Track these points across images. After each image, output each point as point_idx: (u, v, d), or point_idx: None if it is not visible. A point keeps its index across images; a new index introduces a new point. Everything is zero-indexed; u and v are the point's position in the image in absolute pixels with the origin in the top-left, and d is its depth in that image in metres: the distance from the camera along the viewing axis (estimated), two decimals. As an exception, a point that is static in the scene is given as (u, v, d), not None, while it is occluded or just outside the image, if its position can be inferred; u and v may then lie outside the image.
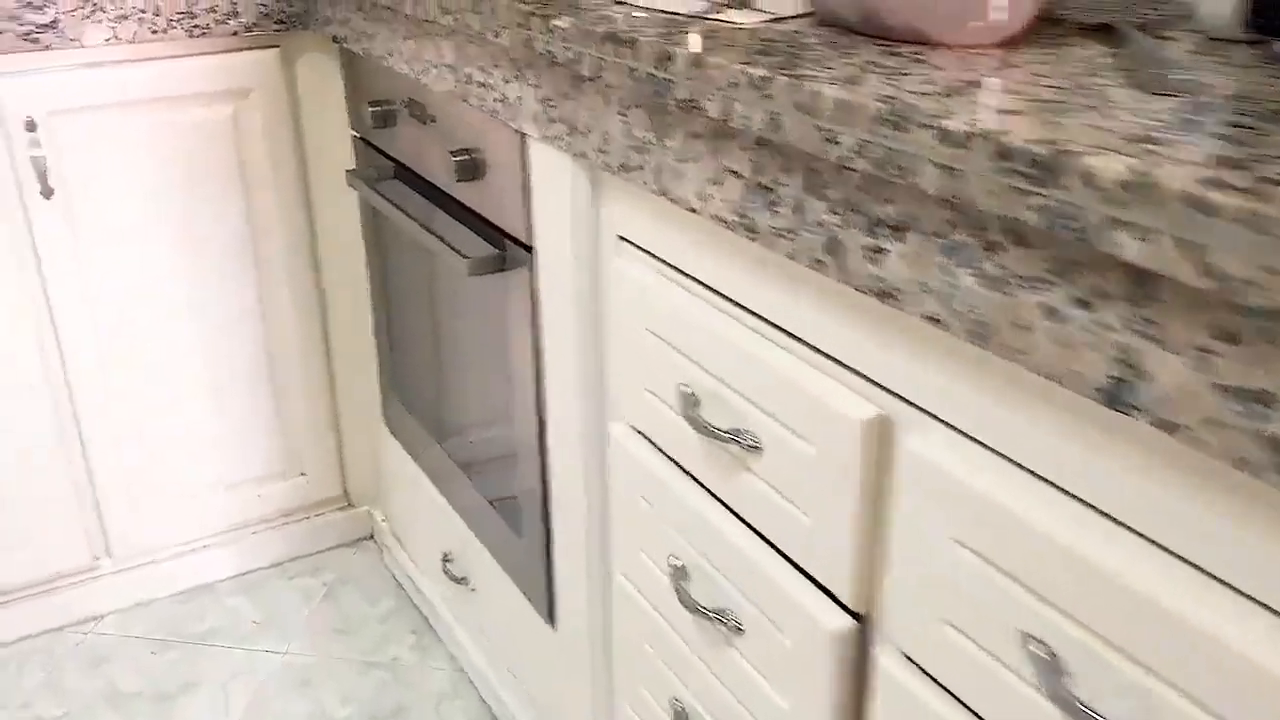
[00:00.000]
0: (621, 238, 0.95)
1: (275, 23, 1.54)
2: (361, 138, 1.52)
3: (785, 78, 0.65)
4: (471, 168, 1.18)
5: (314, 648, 1.66)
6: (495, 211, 1.16)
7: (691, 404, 0.86)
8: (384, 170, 1.48)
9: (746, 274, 0.78)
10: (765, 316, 0.77)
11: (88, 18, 1.43)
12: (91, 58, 1.47)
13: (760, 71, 0.67)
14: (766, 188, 0.71)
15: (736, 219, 0.75)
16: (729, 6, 0.88)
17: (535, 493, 1.21)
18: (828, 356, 0.72)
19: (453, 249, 1.20)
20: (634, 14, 0.89)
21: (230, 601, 1.76)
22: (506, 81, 1.03)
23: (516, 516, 1.28)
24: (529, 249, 1.10)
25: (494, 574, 1.39)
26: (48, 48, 1.42)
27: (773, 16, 0.85)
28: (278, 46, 1.57)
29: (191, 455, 1.72)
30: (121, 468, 1.67)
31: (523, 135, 1.05)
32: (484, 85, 1.07)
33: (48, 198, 1.49)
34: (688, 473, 0.89)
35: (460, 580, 1.51)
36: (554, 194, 1.01)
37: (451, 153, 1.19)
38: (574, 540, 1.13)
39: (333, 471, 1.85)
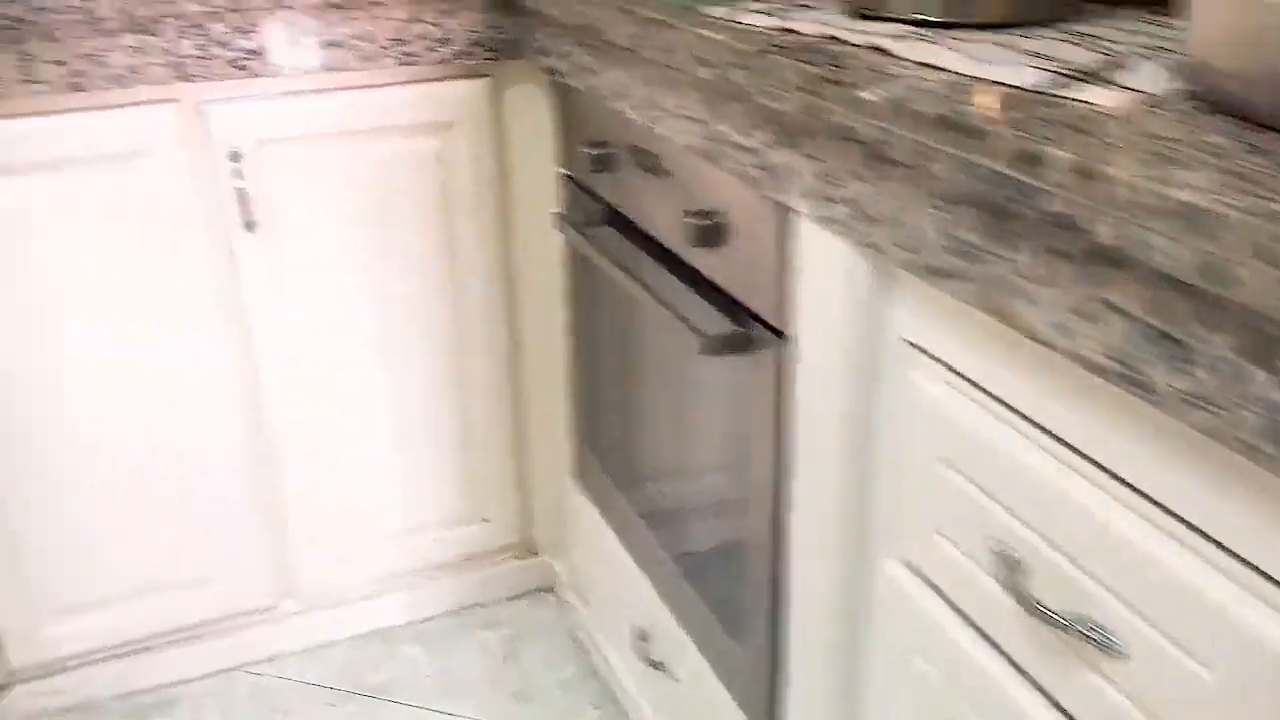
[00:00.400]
0: (912, 344, 0.80)
1: (486, 51, 1.44)
2: (572, 178, 1.41)
3: (1238, 212, 0.48)
4: (711, 233, 1.04)
5: (491, 712, 1.56)
6: (738, 285, 1.02)
7: (1010, 568, 0.70)
8: (594, 214, 1.36)
9: (1120, 434, 0.62)
10: (1146, 493, 0.61)
11: (297, 44, 1.35)
12: (299, 85, 1.40)
13: (1186, 196, 0.50)
14: (1173, 339, 0.55)
15: (1115, 367, 0.58)
16: (1078, 80, 0.72)
17: (763, 603, 1.07)
18: (1247, 564, 0.55)
19: (684, 320, 1.07)
20: (949, 82, 0.73)
21: (407, 651, 1.69)
22: (773, 148, 0.89)
23: (736, 620, 1.14)
24: (779, 334, 0.96)
25: (702, 672, 1.25)
26: (256, 75, 1.35)
27: (1144, 99, 0.68)
28: (487, 76, 1.47)
29: (376, 494, 1.65)
30: (309, 505, 1.61)
31: (786, 209, 0.91)
32: (741, 148, 0.94)
33: (250, 230, 1.43)
34: (997, 647, 0.74)
35: (657, 665, 1.38)
36: (825, 281, 0.86)
37: (687, 213, 1.06)
38: (815, 676, 0.99)
39: (516, 518, 1.75)
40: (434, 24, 1.40)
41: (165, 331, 1.43)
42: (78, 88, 1.28)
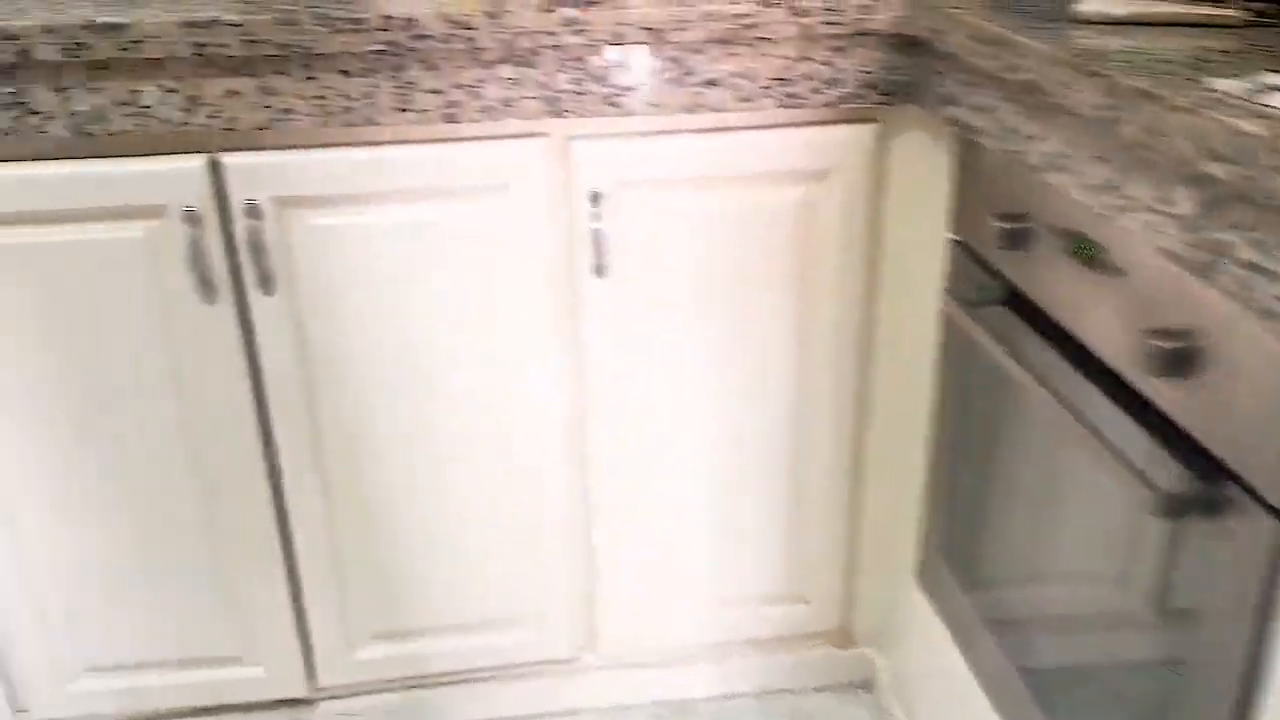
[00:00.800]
0: None
1: (879, 94, 1.27)
2: (967, 247, 1.22)
3: None
4: (1179, 360, 0.83)
5: (798, 826, 1.41)
6: (1210, 432, 0.80)
7: None
8: (989, 293, 1.16)
9: None
10: None
11: (674, 82, 1.24)
12: (668, 125, 1.29)
13: None
14: None
15: None
16: None
17: (1195, 828, 0.85)
18: None
19: (1127, 465, 0.86)
20: None
21: (706, 730, 1.56)
22: (1321, 282, 0.67)
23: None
24: (1275, 511, 0.74)
25: None
26: (628, 113, 1.25)
27: None
28: (875, 122, 1.30)
29: (690, 558, 1.53)
30: (621, 559, 1.52)
31: (1326, 362, 0.68)
32: (1259, 270, 0.72)
33: (598, 274, 1.34)
34: None
35: (1008, 829, 1.18)
36: (1385, 474, 0.64)
37: (1149, 331, 0.84)
38: None
39: (838, 604, 1.58)
40: (824, 63, 1.25)
41: (505, 369, 1.37)
42: (451, 118, 1.22)
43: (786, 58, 1.24)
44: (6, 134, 1.16)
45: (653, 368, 1.40)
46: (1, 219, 1.20)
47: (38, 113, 1.16)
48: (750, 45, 1.23)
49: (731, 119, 1.29)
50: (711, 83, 1.25)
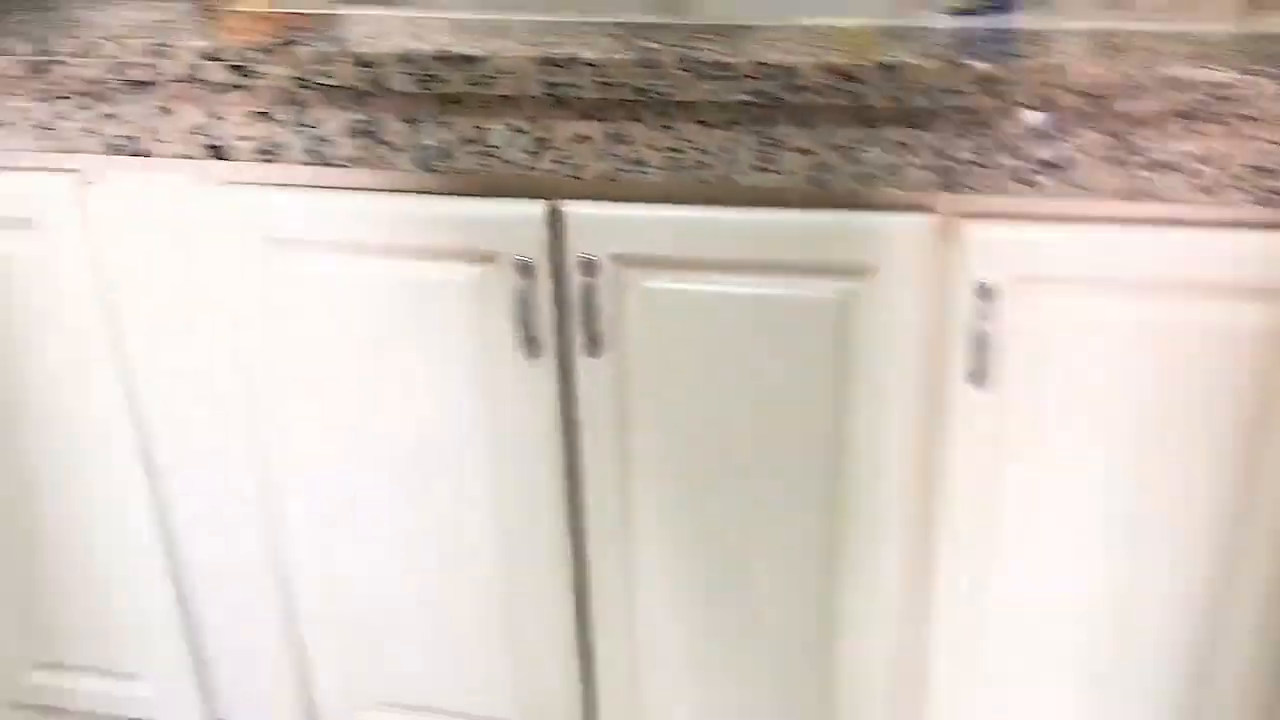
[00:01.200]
0: None
1: (1407, 199, 0.93)
2: None
3: None
4: None
5: None
6: None
7: None
8: None
9: None
10: None
11: (1114, 160, 0.97)
12: (1092, 212, 1.01)
13: None
14: None
15: None
16: None
17: None
18: None
19: None
20: None
21: None
22: None
23: None
24: None
25: None
26: (1042, 194, 0.99)
27: None
28: (1393, 234, 0.96)
29: (1042, 728, 1.25)
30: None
31: None
32: None
33: (977, 384, 1.09)
34: None
35: None
36: None
37: None
38: None
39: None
40: (1330, 152, 0.92)
41: (848, 480, 1.16)
42: (817, 183, 1.03)
43: (1272, 142, 0.93)
44: (354, 162, 1.11)
45: (1029, 505, 1.14)
46: (315, 245, 1.16)
47: (386, 143, 1.10)
48: (1223, 124, 0.93)
49: (1183, 212, 1.00)
50: (1163, 165, 0.96)
